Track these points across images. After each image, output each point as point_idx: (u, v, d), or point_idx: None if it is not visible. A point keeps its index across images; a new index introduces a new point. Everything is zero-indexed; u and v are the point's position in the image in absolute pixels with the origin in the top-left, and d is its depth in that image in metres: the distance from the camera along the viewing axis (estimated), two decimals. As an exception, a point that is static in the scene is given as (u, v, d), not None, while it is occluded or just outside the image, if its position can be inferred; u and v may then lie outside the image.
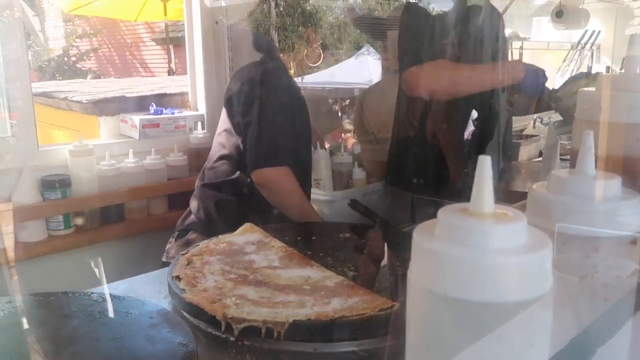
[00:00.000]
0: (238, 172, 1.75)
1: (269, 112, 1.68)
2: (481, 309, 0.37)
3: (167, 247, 1.86)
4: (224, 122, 1.87)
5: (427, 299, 0.40)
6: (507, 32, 2.23)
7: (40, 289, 1.01)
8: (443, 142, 2.23)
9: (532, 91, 1.86)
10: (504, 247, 0.38)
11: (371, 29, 3.22)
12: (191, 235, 1.79)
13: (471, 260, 0.38)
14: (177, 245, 1.80)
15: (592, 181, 0.52)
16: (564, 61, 4.50)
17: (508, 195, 1.75)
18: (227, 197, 1.76)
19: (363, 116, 3.07)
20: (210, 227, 1.74)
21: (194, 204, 1.86)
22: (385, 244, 1.21)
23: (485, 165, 0.40)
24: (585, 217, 0.50)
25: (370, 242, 1.28)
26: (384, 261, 1.17)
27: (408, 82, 1.93)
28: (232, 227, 1.33)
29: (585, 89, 0.85)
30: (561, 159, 1.33)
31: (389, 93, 2.98)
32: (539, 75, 1.85)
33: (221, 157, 1.83)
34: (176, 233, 1.87)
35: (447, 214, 0.41)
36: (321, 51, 2.12)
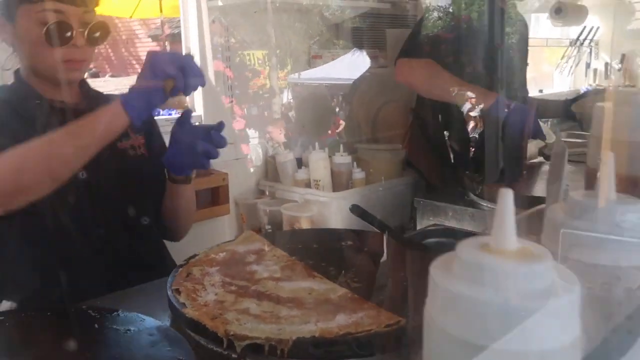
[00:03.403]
0: None
1: None
2: (503, 357, 0.35)
3: None
4: None
5: (446, 340, 0.38)
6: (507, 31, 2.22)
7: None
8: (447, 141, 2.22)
9: (515, 129, 1.84)
10: (528, 290, 0.35)
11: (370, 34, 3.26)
12: None
13: (492, 304, 0.35)
14: None
15: (616, 208, 0.50)
16: (562, 58, 4.48)
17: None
18: None
19: (353, 113, 3.05)
20: None
21: None
22: (385, 244, 1.20)
23: (506, 199, 0.38)
24: (610, 246, 0.48)
25: (369, 241, 1.27)
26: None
27: (397, 69, 2.02)
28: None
29: (600, 104, 0.82)
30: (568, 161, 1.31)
31: (375, 88, 2.95)
32: (522, 113, 1.80)
33: None
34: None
35: (466, 250, 0.38)
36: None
